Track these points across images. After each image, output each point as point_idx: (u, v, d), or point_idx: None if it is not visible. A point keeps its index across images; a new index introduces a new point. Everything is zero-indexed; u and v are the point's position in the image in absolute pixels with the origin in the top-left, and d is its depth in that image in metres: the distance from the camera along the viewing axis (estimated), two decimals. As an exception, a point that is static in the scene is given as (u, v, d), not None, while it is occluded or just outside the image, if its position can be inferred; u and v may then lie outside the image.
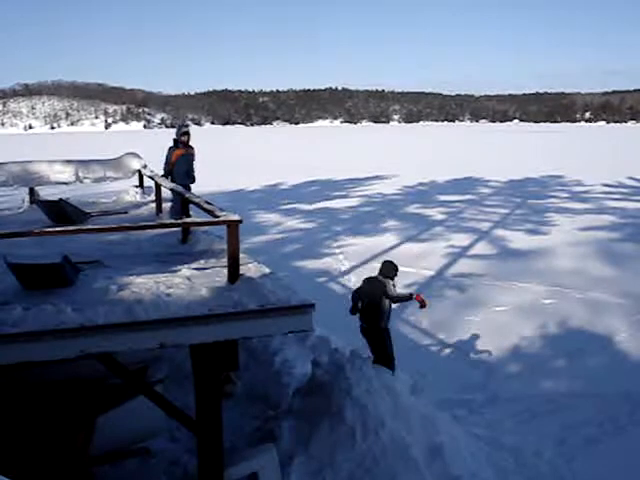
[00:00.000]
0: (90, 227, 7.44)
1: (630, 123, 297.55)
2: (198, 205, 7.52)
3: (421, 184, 37.87)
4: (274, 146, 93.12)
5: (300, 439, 6.74)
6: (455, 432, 7.44)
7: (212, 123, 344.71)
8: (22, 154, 45.65)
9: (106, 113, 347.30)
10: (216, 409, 5.53)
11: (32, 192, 12.05)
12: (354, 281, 15.69)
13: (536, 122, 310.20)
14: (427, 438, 6.90)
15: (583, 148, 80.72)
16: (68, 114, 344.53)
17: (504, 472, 7.22)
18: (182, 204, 9.35)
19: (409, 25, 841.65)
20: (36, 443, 6.39)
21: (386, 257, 18.25)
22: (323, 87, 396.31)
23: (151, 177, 11.19)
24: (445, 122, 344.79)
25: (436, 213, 26.92)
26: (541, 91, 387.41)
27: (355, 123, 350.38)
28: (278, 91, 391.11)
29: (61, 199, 10.30)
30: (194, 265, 6.89)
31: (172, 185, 9.56)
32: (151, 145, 46.09)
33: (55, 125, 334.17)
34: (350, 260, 18.02)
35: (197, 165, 10.89)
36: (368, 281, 8.04)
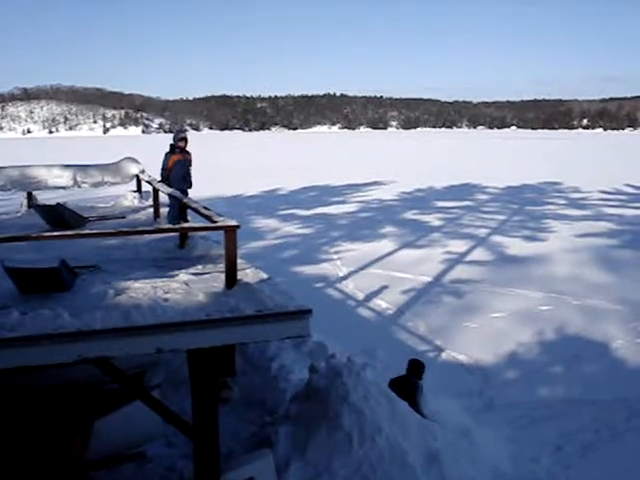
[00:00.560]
0: (88, 232, 7.45)
1: (627, 130, 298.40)
2: (196, 210, 7.54)
3: (419, 190, 37.91)
4: (272, 152, 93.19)
5: (297, 445, 6.73)
6: (451, 438, 7.44)
7: (210, 128, 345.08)
8: (20, 158, 45.67)
9: (104, 118, 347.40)
10: (213, 414, 5.53)
11: (30, 196, 12.07)
12: (351, 287, 15.71)
13: (534, 129, 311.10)
14: (424, 444, 6.90)
15: (580, 155, 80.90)
16: (66, 118, 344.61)
17: (501, 478, 7.22)
18: (180, 209, 9.37)
19: (407, 32, 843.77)
20: (33, 447, 6.38)
21: (383, 263, 18.35)
22: (321, 93, 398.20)
23: (149, 182, 11.21)
24: (443, 128, 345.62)
25: (433, 219, 26.94)
26: (539, 98, 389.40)
27: (353, 129, 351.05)
28: (276, 97, 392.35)
29: (59, 204, 10.31)
30: (191, 270, 6.90)
31: (170, 190, 9.57)
32: (149, 150, 46.16)
33: (53, 129, 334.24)
34: (348, 266, 18.01)
35: (194, 170, 10.91)
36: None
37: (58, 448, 6.41)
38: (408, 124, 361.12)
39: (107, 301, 5.67)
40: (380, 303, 14.38)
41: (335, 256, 19.53)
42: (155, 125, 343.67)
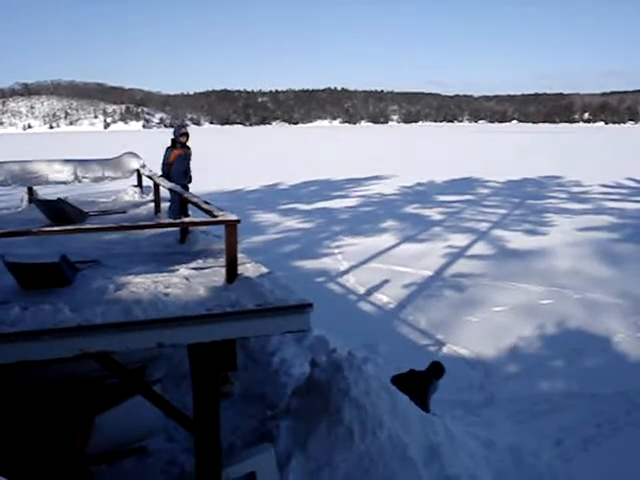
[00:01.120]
0: (88, 227, 7.44)
1: (628, 123, 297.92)
2: (196, 205, 7.54)
3: (420, 184, 37.88)
4: (273, 146, 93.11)
5: (298, 439, 6.73)
6: (453, 432, 7.44)
7: (211, 123, 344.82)
8: (21, 154, 45.63)
9: (105, 113, 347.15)
10: (214, 409, 5.53)
11: (31, 191, 12.06)
12: (352, 281, 15.71)
13: (535, 123, 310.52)
14: (425, 438, 6.90)
15: (581, 149, 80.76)
16: (67, 114, 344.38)
17: (502, 473, 7.23)
18: (181, 204, 9.36)
19: (408, 26, 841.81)
20: (34, 442, 6.39)
21: (385, 257, 18.34)
22: (322, 87, 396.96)
23: (150, 177, 11.20)
24: (444, 123, 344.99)
25: (435, 213, 26.92)
26: (540, 92, 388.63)
27: (354, 123, 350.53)
28: (277, 91, 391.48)
29: (60, 198, 10.31)
30: (192, 265, 6.90)
31: (171, 185, 9.57)
32: (150, 145, 46.10)
33: (54, 125, 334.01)
34: (349, 260, 18.01)
35: (194, 165, 10.91)
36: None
37: (59, 443, 6.42)
38: (409, 118, 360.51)
39: (108, 296, 5.67)
40: (381, 297, 14.39)
41: (336, 250, 19.53)
42: (156, 120, 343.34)
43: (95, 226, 7.08)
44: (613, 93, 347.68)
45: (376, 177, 41.83)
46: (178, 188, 9.22)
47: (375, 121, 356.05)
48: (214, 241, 8.14)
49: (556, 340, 11.76)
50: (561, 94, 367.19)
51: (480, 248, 19.75)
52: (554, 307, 13.58)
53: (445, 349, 11.43)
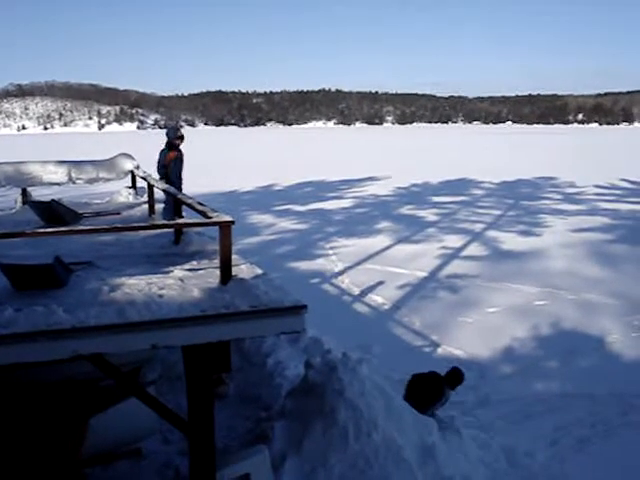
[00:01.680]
0: (82, 228, 7.40)
1: (623, 125, 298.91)
2: (191, 206, 7.51)
3: (414, 185, 37.92)
4: (267, 147, 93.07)
5: (292, 440, 6.73)
6: (447, 433, 7.45)
7: (205, 124, 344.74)
8: (15, 155, 45.49)
9: (99, 114, 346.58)
10: (208, 410, 5.52)
11: (24, 193, 12.01)
12: (347, 282, 15.71)
13: (529, 124, 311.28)
14: (420, 439, 6.91)
15: (576, 150, 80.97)
16: (61, 115, 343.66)
17: (496, 473, 7.24)
18: (175, 205, 9.34)
19: (402, 27, 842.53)
20: (28, 444, 6.36)
21: (379, 258, 18.35)
22: (316, 88, 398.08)
23: (144, 178, 11.17)
24: (438, 124, 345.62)
25: (429, 214, 26.95)
26: (534, 93, 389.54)
27: (349, 124, 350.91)
28: (271, 92, 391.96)
29: (53, 200, 10.26)
30: (186, 266, 6.88)
31: (165, 186, 9.55)
32: (144, 146, 46.04)
33: (48, 126, 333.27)
34: (343, 261, 18.01)
35: (187, 166, 10.92)
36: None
37: (53, 445, 6.40)
38: (404, 119, 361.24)
39: (102, 297, 5.65)
40: (376, 298, 14.39)
41: (331, 251, 19.53)
42: (150, 121, 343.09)
43: (89, 227, 7.04)
44: (607, 94, 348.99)
45: (370, 178, 41.86)
46: (172, 189, 9.20)
47: (370, 122, 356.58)
48: (208, 242, 8.11)
49: (550, 341, 11.78)
50: (555, 95, 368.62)
51: (474, 249, 19.78)
52: (548, 308, 13.60)
53: (440, 350, 11.43)
